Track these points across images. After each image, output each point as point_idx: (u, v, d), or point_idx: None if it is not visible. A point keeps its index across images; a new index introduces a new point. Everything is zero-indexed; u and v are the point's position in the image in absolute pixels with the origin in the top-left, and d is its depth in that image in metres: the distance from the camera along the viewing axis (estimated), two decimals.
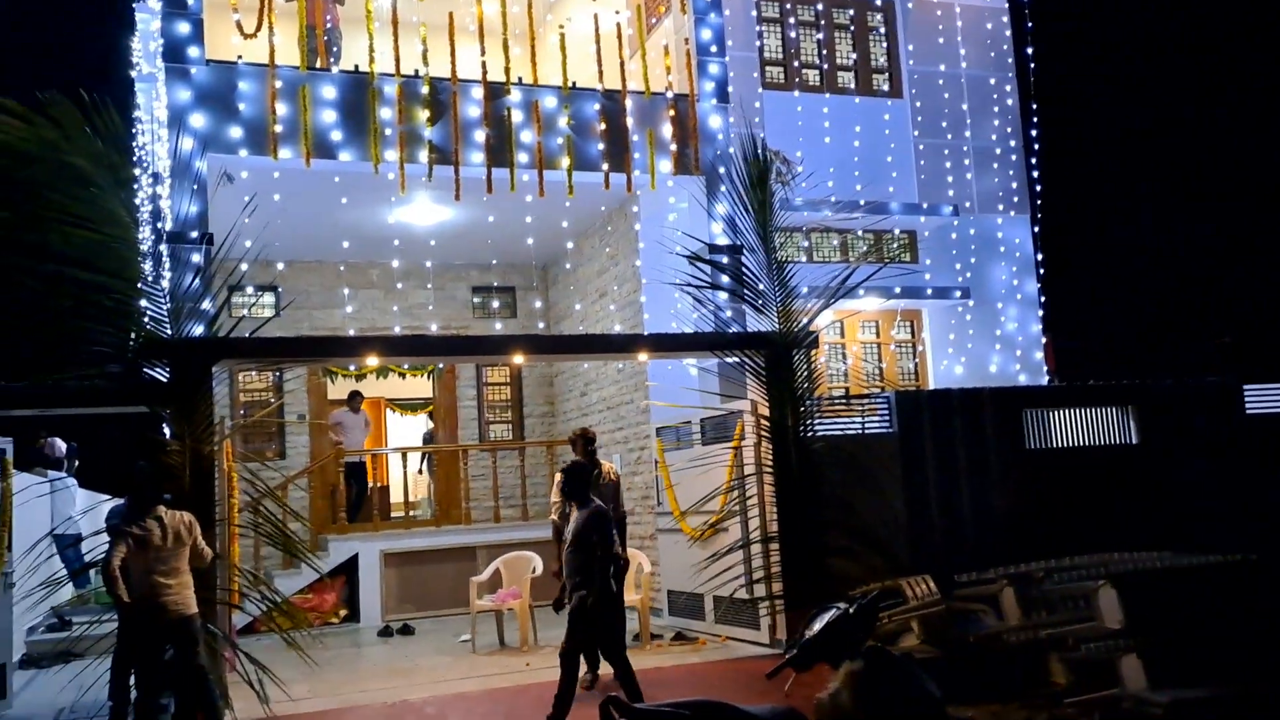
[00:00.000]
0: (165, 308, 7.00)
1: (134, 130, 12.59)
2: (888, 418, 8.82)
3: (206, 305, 7.50)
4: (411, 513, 14.86)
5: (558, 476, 7.33)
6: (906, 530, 8.44)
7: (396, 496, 15.12)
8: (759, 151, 8.84)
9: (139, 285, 6.69)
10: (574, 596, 6.10)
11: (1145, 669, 6.09)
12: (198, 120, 8.56)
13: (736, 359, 8.76)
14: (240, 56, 9.04)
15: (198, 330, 7.21)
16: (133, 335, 6.70)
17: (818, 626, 4.09)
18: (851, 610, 4.03)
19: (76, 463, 11.97)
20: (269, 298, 13.22)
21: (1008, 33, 12.91)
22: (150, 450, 6.56)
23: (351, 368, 13.61)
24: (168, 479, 6.44)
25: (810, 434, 8.57)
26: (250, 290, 12.60)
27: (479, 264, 14.07)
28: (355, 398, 12.81)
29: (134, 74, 13.03)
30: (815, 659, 4.06)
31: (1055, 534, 8.28)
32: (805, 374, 8.73)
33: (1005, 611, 7.17)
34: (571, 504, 6.38)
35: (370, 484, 13.02)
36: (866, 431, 8.81)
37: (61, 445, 11.60)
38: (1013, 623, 7.02)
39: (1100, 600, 6.47)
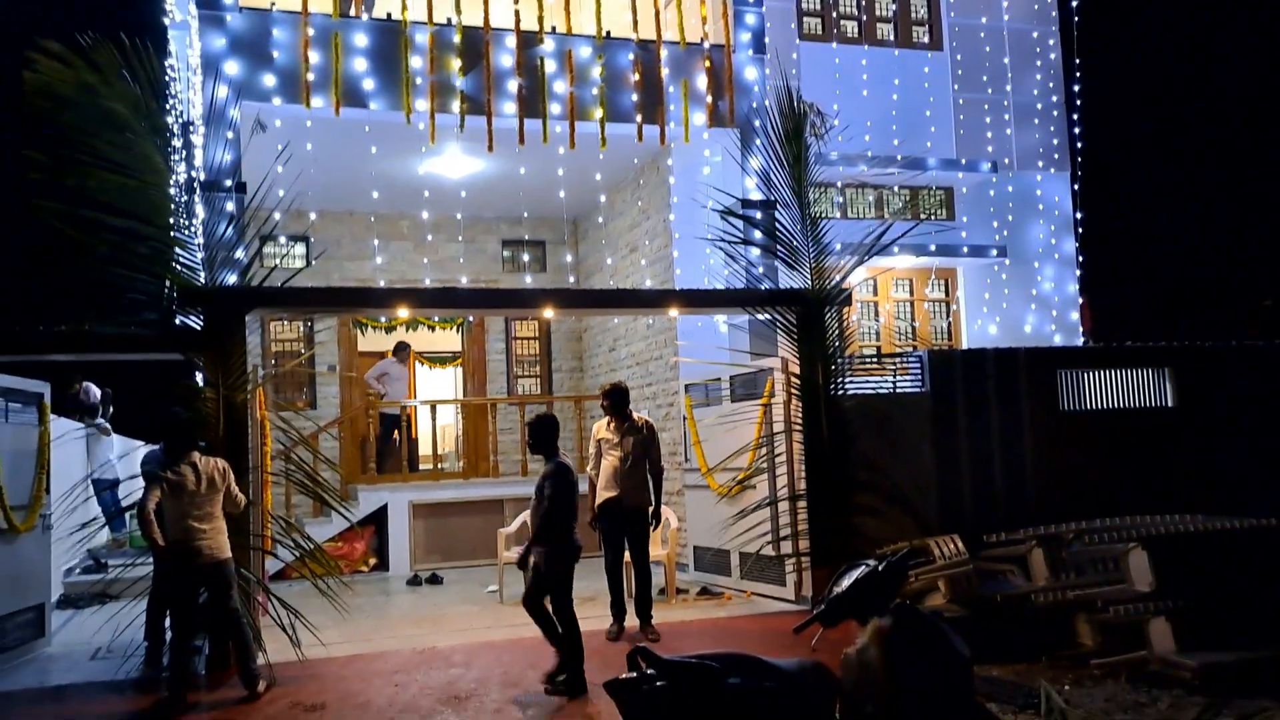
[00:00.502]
0: (199, 256, 7.03)
1: (167, 79, 12.61)
2: (920, 377, 8.73)
3: (240, 254, 7.53)
4: (439, 465, 14.98)
5: (595, 428, 7.79)
6: (936, 491, 8.40)
7: (424, 449, 15.24)
8: (794, 104, 8.69)
9: (173, 233, 6.71)
10: (530, 550, 6.14)
11: (1174, 632, 6.06)
12: (231, 68, 8.54)
13: (768, 316, 8.69)
14: (273, 4, 8.99)
15: (231, 279, 7.24)
16: (167, 283, 6.74)
17: (846, 583, 4.08)
18: (880, 568, 4.02)
19: (111, 409, 12.11)
20: (300, 248, 13.28)
21: None
22: (184, 397, 6.62)
23: (382, 319, 13.68)
24: (201, 426, 6.52)
25: (841, 392, 8.52)
26: (282, 240, 12.66)
27: (509, 217, 14.02)
28: (402, 349, 12.89)
29: (167, 21, 13.01)
30: (843, 615, 4.06)
31: (1087, 497, 8.21)
32: (837, 332, 8.65)
33: (1033, 572, 7.14)
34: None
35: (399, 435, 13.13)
36: (898, 391, 8.74)
37: (96, 391, 11.73)
38: (1040, 583, 7.00)
39: (1130, 562, 6.43)
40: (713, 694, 3.46)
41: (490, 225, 14.16)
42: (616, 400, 7.64)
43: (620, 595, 7.52)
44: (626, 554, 7.71)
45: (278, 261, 12.62)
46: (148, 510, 5.86)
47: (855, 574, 4.09)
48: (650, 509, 7.66)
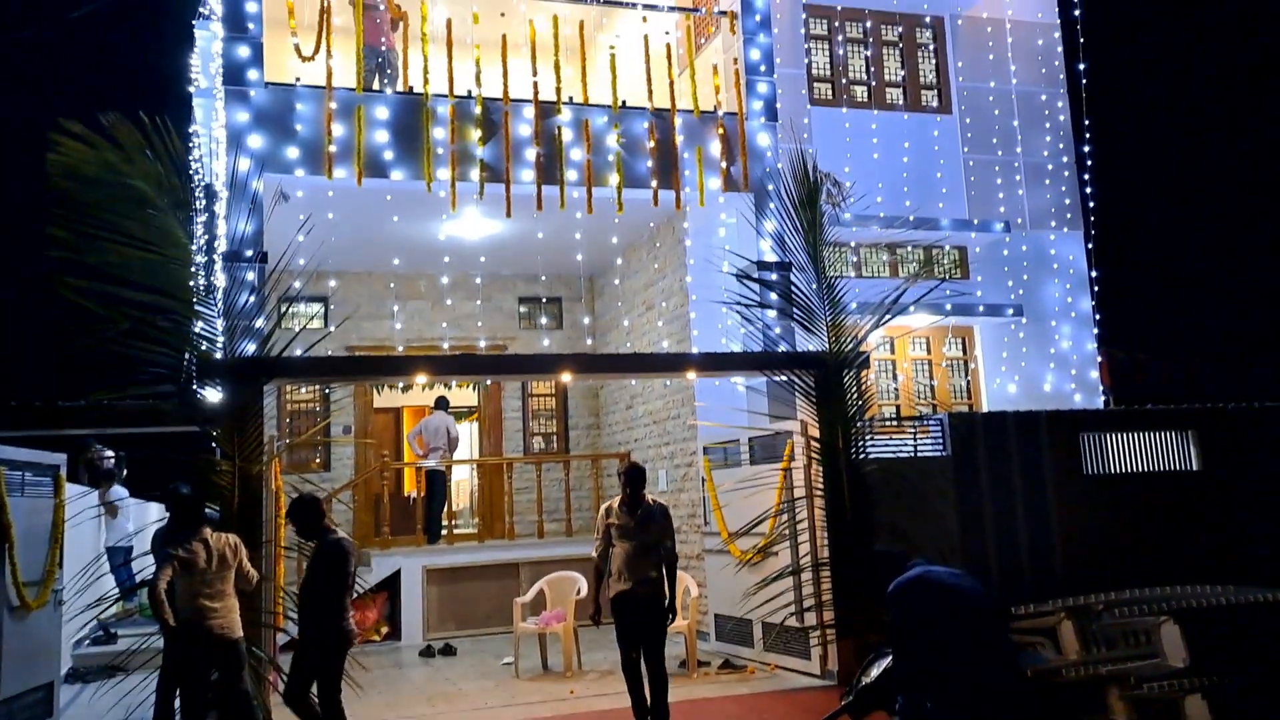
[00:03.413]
0: (219, 327, 7.05)
1: (190, 145, 12.81)
2: (941, 440, 8.66)
3: (259, 323, 7.55)
4: (454, 522, 14.88)
5: (601, 511, 7.12)
6: (961, 557, 8.26)
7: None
8: (809, 172, 8.74)
9: (194, 306, 6.74)
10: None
11: (1210, 709, 5.91)
12: (255, 141, 8.64)
13: (785, 378, 8.65)
14: (298, 79, 9.13)
15: (250, 348, 7.25)
16: (187, 355, 6.75)
17: (875, 672, 4.01)
18: None
19: (125, 472, 12.10)
20: (318, 307, 13.35)
21: (1059, 48, 12.71)
22: (200, 471, 6.59)
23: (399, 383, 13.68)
24: (213, 501, 6.48)
25: (862, 456, 8.44)
26: (302, 306, 12.72)
27: (526, 275, 14.07)
28: (442, 403, 12.79)
29: (192, 90, 13.25)
30: (872, 706, 3.98)
31: (1113, 563, 8.08)
32: (856, 395, 8.60)
33: (1064, 645, 7.00)
34: None
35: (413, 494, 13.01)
36: (919, 454, 8.66)
37: (111, 456, 11.74)
38: (1072, 657, 6.85)
39: (1163, 636, 6.30)
40: None
41: (507, 283, 14.21)
42: (635, 481, 6.98)
43: (640, 697, 6.85)
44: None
45: (296, 324, 12.74)
46: (158, 590, 5.79)
47: (884, 663, 4.01)
48: (666, 602, 6.95)
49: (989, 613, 3.91)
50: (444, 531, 12.15)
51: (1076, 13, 12.69)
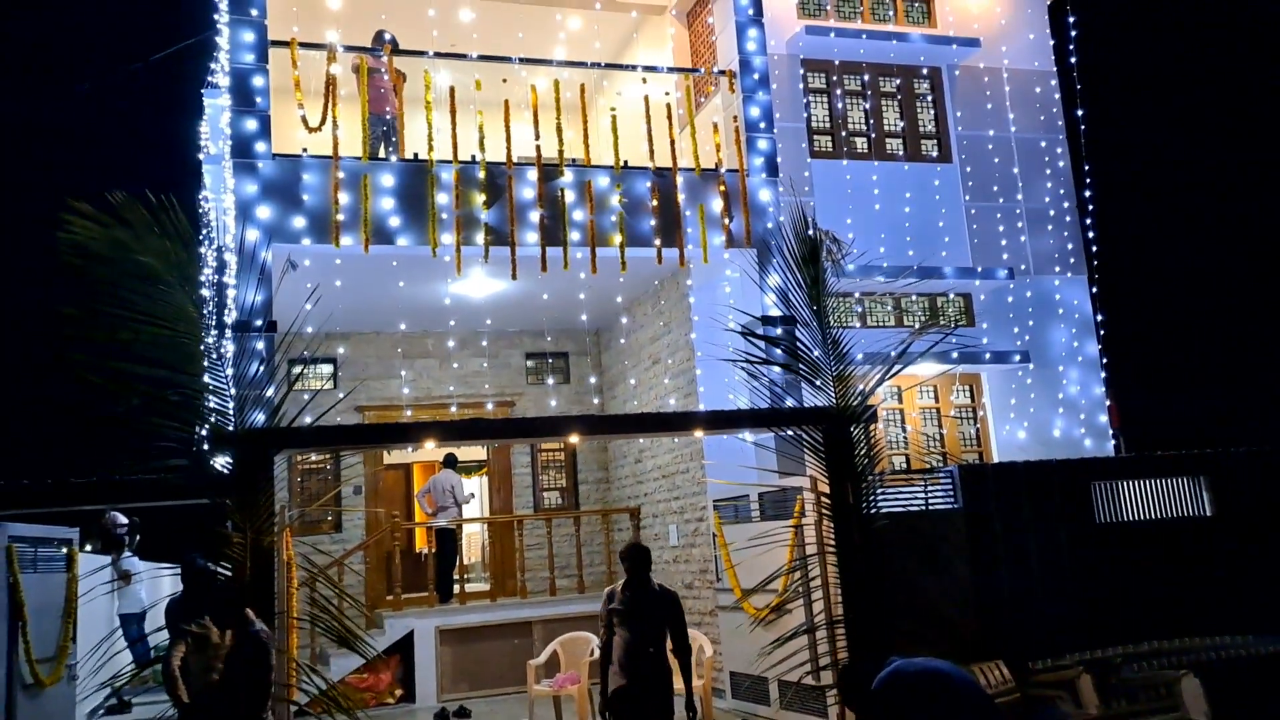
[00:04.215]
0: (229, 397, 7.10)
1: (202, 211, 12.99)
2: (952, 493, 8.63)
3: (269, 392, 7.60)
4: (466, 576, 14.80)
5: (604, 595, 6.75)
6: (975, 611, 8.21)
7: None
8: (809, 229, 8.81)
9: (204, 379, 6.80)
10: None
11: None
12: (263, 212, 8.78)
13: (793, 434, 8.64)
14: (305, 149, 9.28)
15: (260, 418, 7.29)
16: (197, 427, 6.79)
17: None
18: None
19: (138, 537, 12.11)
20: (328, 368, 13.43)
21: (1056, 95, 12.85)
22: (211, 544, 6.61)
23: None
24: (227, 574, 6.48)
25: (873, 511, 8.40)
26: (310, 366, 12.80)
27: (533, 331, 14.16)
28: (452, 459, 12.83)
29: (202, 157, 13.47)
30: None
31: (1130, 613, 8.01)
32: (865, 450, 8.58)
33: (1083, 699, 6.94)
34: None
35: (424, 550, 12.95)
36: (931, 508, 8.62)
37: (124, 521, 11.75)
38: (1092, 711, 6.79)
39: (1183, 690, 6.25)
40: None
41: (514, 339, 14.29)
42: (636, 562, 6.47)
43: None
44: None
45: (307, 385, 12.82)
46: (172, 666, 5.78)
47: None
48: (683, 697, 6.52)
49: (975, 689, 3.92)
50: (456, 589, 12.10)
51: (1073, 60, 12.85)
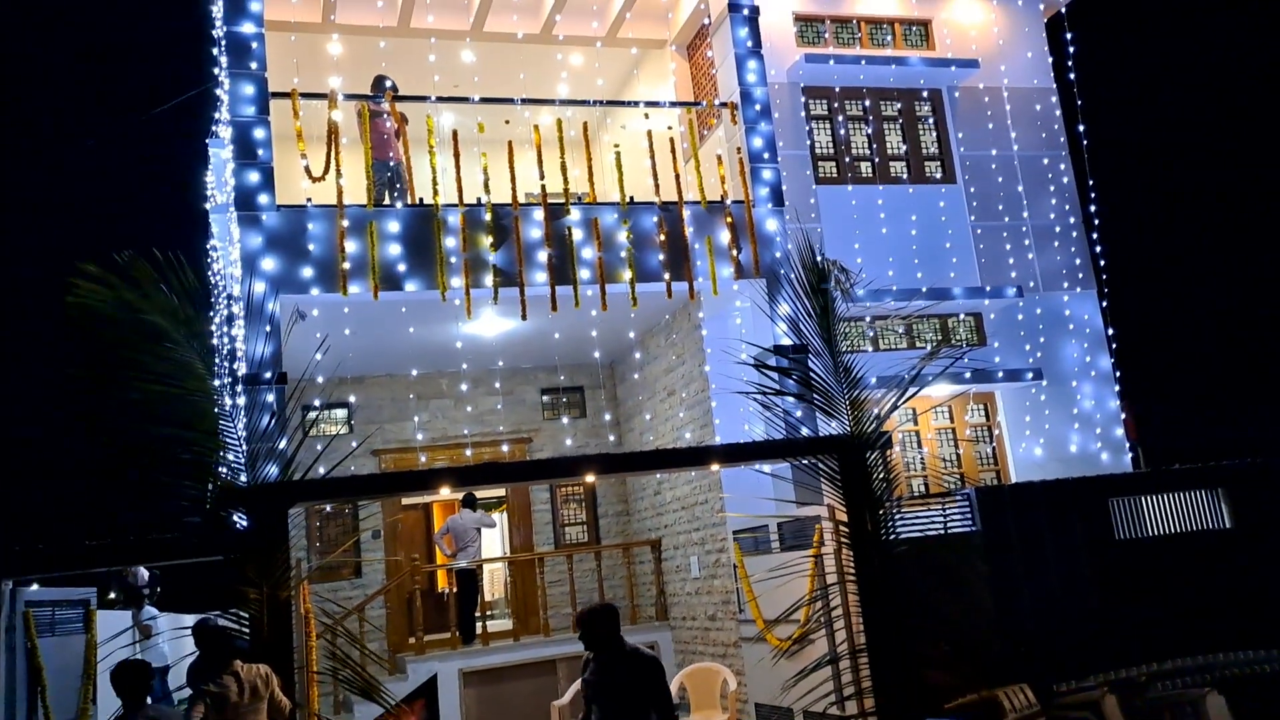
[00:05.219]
0: (242, 453, 7.11)
1: (210, 260, 13.10)
2: (969, 515, 8.56)
3: (282, 444, 7.62)
4: (490, 613, 14.74)
5: (581, 665, 6.08)
6: (998, 633, 8.12)
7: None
8: (816, 259, 8.81)
9: (216, 436, 6.82)
10: None
11: None
12: (269, 264, 8.84)
13: (808, 463, 8.60)
14: (310, 199, 9.35)
15: (274, 470, 7.31)
16: (211, 484, 6.81)
17: None
18: None
19: (158, 589, 12.12)
20: (342, 413, 13.46)
21: (1057, 112, 12.86)
22: (229, 599, 6.60)
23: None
24: (243, 629, 6.47)
25: (892, 537, 8.34)
26: (323, 412, 12.84)
27: (546, 366, 14.17)
28: (471, 499, 12.82)
29: (208, 206, 13.59)
30: None
31: (1152, 630, 7.91)
32: (882, 475, 8.53)
33: None
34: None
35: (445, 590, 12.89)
36: (950, 531, 8.55)
37: (145, 574, 11.77)
38: None
39: (1209, 707, 6.16)
40: None
41: (528, 375, 14.30)
42: (590, 630, 5.60)
43: None
44: None
45: (321, 430, 12.85)
46: None
47: None
48: None
49: None
50: (478, 629, 12.05)
51: (1072, 76, 12.87)
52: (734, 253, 10.28)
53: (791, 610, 8.68)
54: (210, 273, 12.95)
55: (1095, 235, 12.60)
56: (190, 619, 9.88)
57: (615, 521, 14.46)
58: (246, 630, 6.60)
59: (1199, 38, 24.08)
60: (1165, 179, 23.82)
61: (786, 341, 9.87)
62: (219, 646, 6.10)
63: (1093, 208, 12.61)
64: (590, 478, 8.95)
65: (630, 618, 12.54)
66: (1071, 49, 12.79)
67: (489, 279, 9.48)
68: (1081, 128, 12.61)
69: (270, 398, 7.97)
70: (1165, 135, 24.18)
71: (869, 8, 12.49)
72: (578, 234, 9.82)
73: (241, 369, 8.37)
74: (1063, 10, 13.15)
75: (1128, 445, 12.26)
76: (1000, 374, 11.61)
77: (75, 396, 6.33)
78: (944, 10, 12.79)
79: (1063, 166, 12.73)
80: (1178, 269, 23.13)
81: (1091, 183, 12.63)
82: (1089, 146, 12.61)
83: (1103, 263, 12.57)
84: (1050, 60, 13.00)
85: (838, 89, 12.08)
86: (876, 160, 12.10)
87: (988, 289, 11.81)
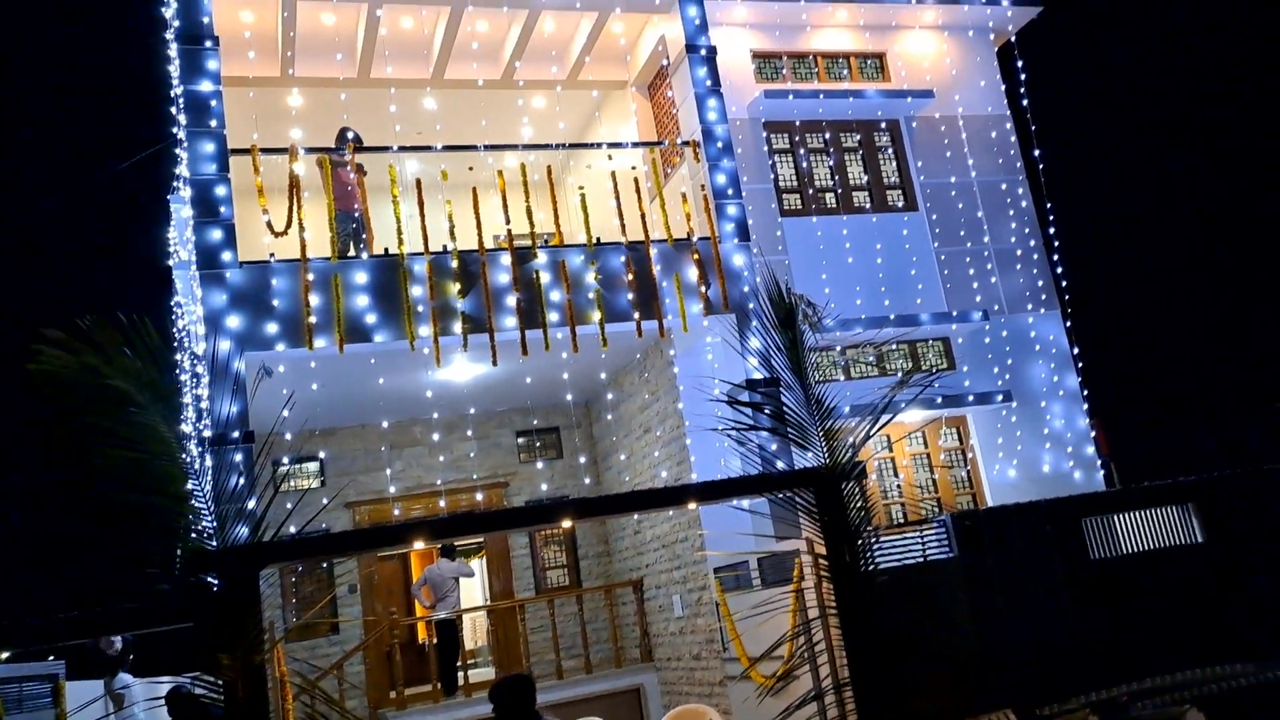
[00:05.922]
0: (210, 515, 6.99)
1: (174, 318, 12.96)
2: (947, 542, 8.57)
3: (251, 504, 7.50)
4: (472, 661, 14.54)
5: None
6: (979, 659, 8.10)
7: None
8: (783, 294, 8.86)
9: (184, 501, 6.70)
10: None
11: None
12: (233, 321, 8.75)
13: (784, 496, 8.59)
14: (273, 254, 9.29)
15: (244, 532, 7.19)
16: (178, 549, 6.68)
17: None
18: None
19: (131, 657, 11.86)
20: (314, 466, 13.30)
21: (1013, 138, 13.07)
22: (201, 664, 6.46)
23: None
24: (217, 695, 6.34)
25: (872, 568, 8.32)
26: (295, 467, 12.69)
27: (521, 408, 14.09)
28: (448, 551, 12.67)
29: (171, 264, 13.48)
30: None
31: (1131, 649, 7.91)
32: (860, 505, 8.52)
33: None
34: None
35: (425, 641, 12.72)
36: (929, 559, 8.55)
37: (118, 642, 11.51)
38: None
39: None
40: None
41: (503, 418, 14.21)
42: (501, 703, 5.60)
43: None
44: None
45: (292, 486, 12.68)
46: None
47: None
48: None
49: None
50: (460, 680, 11.88)
51: (1025, 102, 13.09)
52: (702, 289, 10.32)
53: (775, 647, 8.62)
54: (175, 329, 12.83)
55: (1056, 256, 12.78)
56: (167, 683, 9.68)
57: (596, 562, 14.34)
58: (221, 696, 6.47)
59: (1148, 59, 24.66)
60: (1122, 197, 24.29)
61: (759, 375, 9.89)
62: (193, 714, 5.96)
63: (1052, 230, 12.80)
64: (567, 523, 8.88)
65: (615, 661, 12.41)
66: (1023, 75, 13.03)
67: (458, 326, 9.44)
68: (1037, 152, 12.84)
69: (238, 457, 7.86)
70: (1119, 155, 24.69)
71: (825, 43, 12.68)
72: (545, 277, 9.82)
73: (208, 430, 8.25)
74: (1012, 39, 13.42)
75: (1099, 462, 12.35)
76: (970, 397, 11.69)
77: (41, 464, 6.22)
78: (897, 43, 13.01)
79: (1021, 190, 12.93)
80: (1139, 285, 23.51)
81: (1049, 205, 12.85)
82: (1045, 170, 12.83)
83: (1064, 283, 12.75)
84: (1003, 87, 13.24)
85: (798, 122, 12.22)
86: (839, 191, 12.23)
87: (954, 314, 11.92)
